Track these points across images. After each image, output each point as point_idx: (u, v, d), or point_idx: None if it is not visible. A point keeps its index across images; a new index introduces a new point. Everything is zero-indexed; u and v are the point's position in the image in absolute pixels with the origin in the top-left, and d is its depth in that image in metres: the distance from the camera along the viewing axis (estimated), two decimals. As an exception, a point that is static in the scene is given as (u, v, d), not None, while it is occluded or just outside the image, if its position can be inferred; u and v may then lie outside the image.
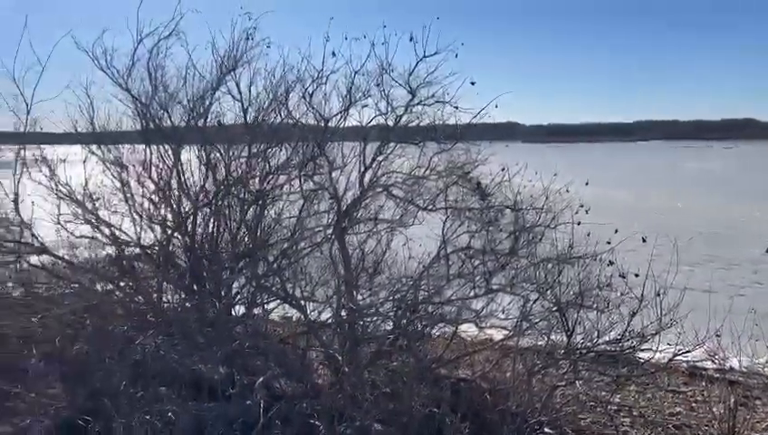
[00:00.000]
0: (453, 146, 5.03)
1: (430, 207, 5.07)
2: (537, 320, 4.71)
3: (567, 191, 4.84)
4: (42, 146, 6.02)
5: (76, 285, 5.63)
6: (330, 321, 5.41)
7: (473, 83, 4.90)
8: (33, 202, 5.69)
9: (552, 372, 5.09)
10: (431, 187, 5.11)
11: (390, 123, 5.24)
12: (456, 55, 4.80)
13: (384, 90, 5.04)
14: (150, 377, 4.28)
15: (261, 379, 4.52)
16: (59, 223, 5.85)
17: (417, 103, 5.05)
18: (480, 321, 4.87)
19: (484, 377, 5.26)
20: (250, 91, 5.40)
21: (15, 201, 5.89)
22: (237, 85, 5.41)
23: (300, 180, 5.54)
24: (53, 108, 5.86)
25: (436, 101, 4.99)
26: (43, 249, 5.92)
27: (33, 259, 5.92)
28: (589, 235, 4.65)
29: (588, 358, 4.85)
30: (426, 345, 5.07)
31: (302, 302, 5.40)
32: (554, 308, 4.60)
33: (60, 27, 5.44)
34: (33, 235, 5.84)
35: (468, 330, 5.82)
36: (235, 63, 5.32)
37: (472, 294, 4.74)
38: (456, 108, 4.98)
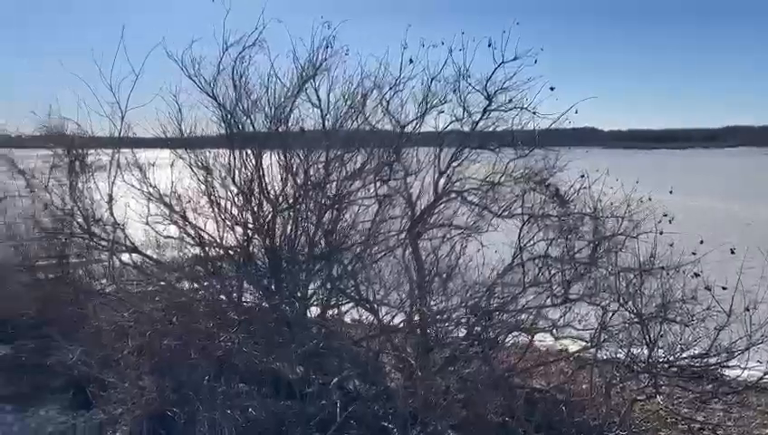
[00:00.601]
0: (530, 152, 4.96)
1: (506, 213, 5.02)
2: (616, 331, 4.57)
3: (649, 199, 4.68)
4: (134, 150, 6.40)
5: (163, 283, 5.93)
6: (402, 325, 5.46)
7: (552, 89, 4.83)
8: (127, 204, 6.05)
9: (630, 385, 4.92)
10: (507, 193, 5.07)
11: (466, 129, 5.24)
12: (536, 61, 4.73)
13: (461, 96, 5.04)
14: (231, 373, 4.45)
15: (335, 379, 4.63)
16: (147, 223, 6.20)
17: (494, 109, 5.02)
18: (556, 330, 4.78)
19: (559, 388, 5.16)
20: (329, 98, 5.53)
21: (109, 202, 6.30)
22: (316, 92, 5.55)
23: (375, 185, 5.63)
24: (145, 114, 6.22)
25: (514, 107, 4.94)
26: (133, 248, 6.29)
27: (125, 257, 6.30)
28: (672, 245, 4.47)
29: (670, 373, 4.66)
30: (499, 353, 5.01)
31: (375, 305, 5.48)
32: (635, 320, 4.45)
33: (153, 38, 5.73)
34: (125, 234, 6.22)
35: (543, 340, 5.71)
36: (314, 71, 5.46)
37: (548, 302, 4.65)
38: (534, 113, 4.92)
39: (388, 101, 5.25)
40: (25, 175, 7.04)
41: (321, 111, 5.57)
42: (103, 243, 6.31)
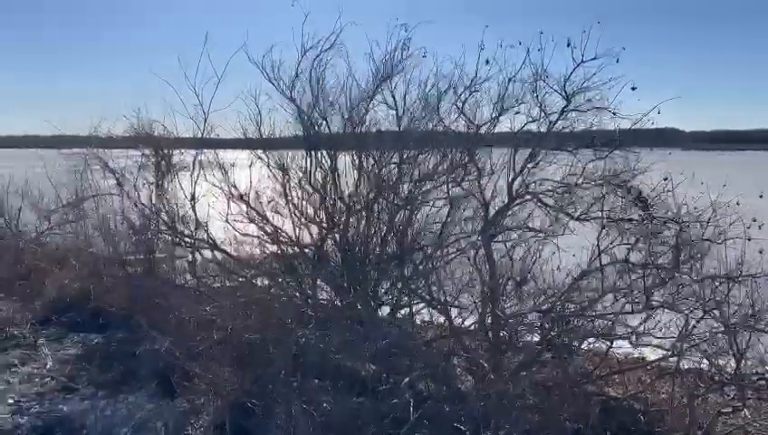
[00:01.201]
0: (610, 153, 4.82)
1: (583, 216, 4.90)
2: (700, 340, 4.37)
3: (737, 204, 4.45)
4: (216, 151, 6.69)
5: (242, 279, 6.16)
6: (473, 327, 5.44)
7: (633, 88, 4.68)
8: (209, 204, 6.33)
9: (715, 397, 4.71)
10: (584, 196, 4.95)
11: (543, 130, 5.16)
12: (617, 60, 4.60)
13: (538, 96, 4.96)
14: (306, 368, 4.57)
15: (407, 379, 4.66)
16: (227, 222, 6.46)
17: (573, 109, 4.91)
18: (635, 338, 4.63)
19: (637, 397, 4.99)
20: (405, 100, 5.59)
21: (192, 201, 6.62)
22: (392, 93, 5.62)
23: (447, 186, 5.63)
24: (227, 116, 6.50)
25: (593, 107, 4.82)
26: (214, 245, 6.58)
27: (206, 254, 6.60)
28: (761, 252, 4.24)
29: (759, 385, 4.43)
30: (575, 360, 4.90)
31: (447, 306, 5.48)
32: (721, 329, 4.25)
33: (235, 43, 5.98)
34: (206, 232, 6.51)
35: (621, 347, 5.54)
36: (390, 73, 5.54)
37: (627, 309, 4.51)
38: (614, 114, 4.78)
39: (463, 103, 5.24)
40: (116, 174, 7.50)
41: (397, 112, 5.63)
42: (186, 240, 6.63)
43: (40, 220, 9.93)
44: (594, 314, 4.64)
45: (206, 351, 4.84)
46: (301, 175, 6.19)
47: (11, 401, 5.30)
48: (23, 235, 9.92)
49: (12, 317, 7.23)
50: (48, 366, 5.92)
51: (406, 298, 6.11)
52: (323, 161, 6.17)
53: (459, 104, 5.27)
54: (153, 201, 6.89)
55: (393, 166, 5.89)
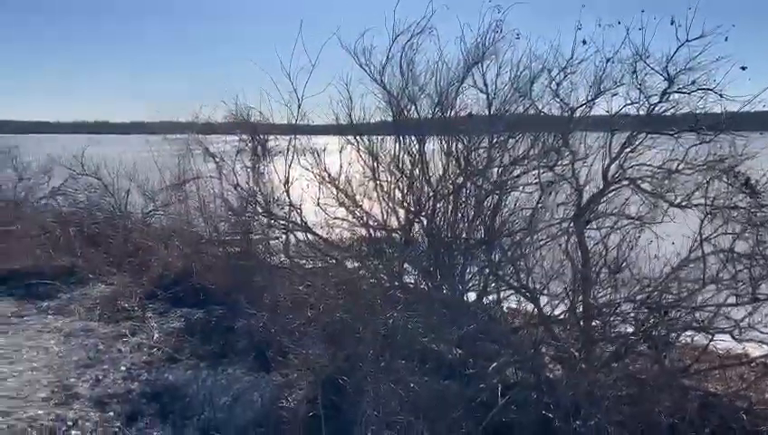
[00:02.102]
0: (715, 137, 4.55)
1: (684, 203, 4.66)
2: (814, 338, 4.08)
3: None
4: (308, 136, 6.89)
5: (332, 261, 6.34)
6: (563, 316, 5.32)
7: (743, 68, 4.37)
8: (302, 187, 6.54)
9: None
10: (686, 181, 4.70)
11: (642, 113, 4.93)
12: (726, 38, 4.31)
13: (638, 77, 4.74)
14: (394, 349, 4.66)
15: (494, 364, 4.65)
16: (318, 205, 6.65)
17: (675, 91, 4.66)
18: (739, 332, 4.38)
19: (739, 394, 4.73)
20: (496, 84, 5.51)
21: (286, 185, 6.86)
22: (483, 76, 5.55)
23: (538, 171, 5.51)
24: (319, 102, 6.66)
25: (698, 89, 4.55)
26: (306, 227, 6.79)
27: (299, 235, 6.83)
28: None
29: None
30: (672, 352, 4.71)
31: (536, 294, 5.40)
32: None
33: (329, 30, 6.10)
34: (299, 214, 6.74)
35: (722, 341, 5.25)
36: (481, 55, 5.46)
37: (731, 301, 4.27)
38: (721, 96, 4.49)
39: (557, 85, 5.09)
40: (215, 158, 7.90)
41: (488, 95, 5.56)
42: (280, 221, 6.89)
43: (146, 202, 10.66)
44: (694, 305, 4.42)
45: (299, 328, 5.05)
46: (389, 160, 6.25)
47: (123, 368, 5.77)
48: (130, 215, 10.68)
49: (122, 291, 7.84)
50: (155, 337, 6.38)
51: (493, 284, 6.07)
52: (412, 146, 6.20)
53: (553, 87, 5.13)
54: (250, 184, 7.20)
55: (482, 150, 5.84)
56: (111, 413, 4.88)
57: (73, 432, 4.56)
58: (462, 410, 3.89)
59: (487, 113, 5.64)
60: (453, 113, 5.86)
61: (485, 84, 5.55)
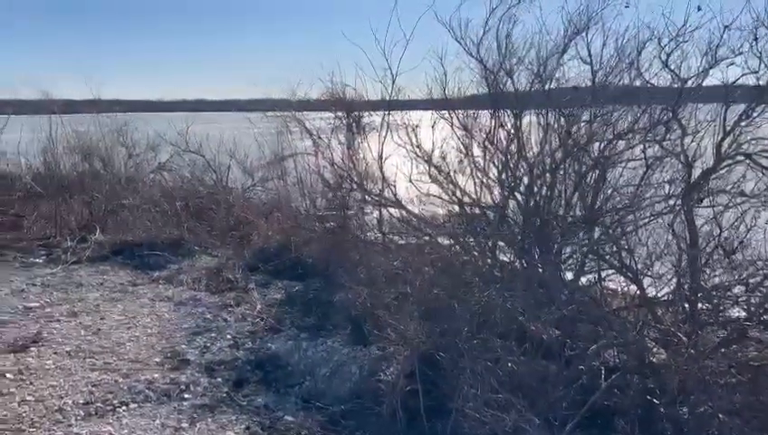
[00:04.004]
0: None
1: (809, 180, 4.29)
2: None
3: None
4: (402, 112, 6.91)
5: (426, 237, 6.37)
6: (668, 298, 5.08)
7: None
8: (395, 164, 6.59)
9: None
10: (812, 157, 4.32)
11: (762, 83, 4.55)
12: None
13: (758, 45, 4.37)
14: (490, 327, 4.64)
15: (594, 346, 4.53)
16: (411, 181, 6.67)
17: (801, 59, 4.27)
18: None
19: None
20: (602, 54, 5.25)
21: (380, 161, 6.93)
22: (588, 46, 5.31)
23: (644, 145, 5.25)
24: (413, 77, 6.65)
25: (829, 56, 4.14)
26: (398, 203, 6.85)
27: (392, 211, 6.91)
28: None
29: None
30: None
31: (639, 274, 5.18)
32: None
33: (424, 4, 6.03)
34: (392, 190, 6.80)
35: None
36: (586, 24, 5.22)
37: None
38: None
39: (668, 55, 4.79)
40: (312, 135, 8.10)
41: (592, 66, 5.31)
42: (374, 197, 6.98)
43: (245, 177, 11.12)
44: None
45: (394, 302, 5.13)
46: (484, 135, 6.15)
47: (229, 336, 6.11)
48: (231, 190, 11.19)
49: (226, 263, 8.27)
50: (258, 308, 6.71)
51: (592, 263, 5.87)
52: (507, 120, 6.07)
53: (663, 56, 4.83)
54: (344, 160, 7.34)
55: (583, 124, 5.62)
56: (219, 379, 5.20)
57: (186, 395, 4.89)
58: (563, 392, 3.83)
59: (590, 85, 5.40)
60: (552, 86, 5.67)
61: (589, 54, 5.30)
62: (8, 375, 5.16)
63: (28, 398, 4.77)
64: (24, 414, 4.51)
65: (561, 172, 5.85)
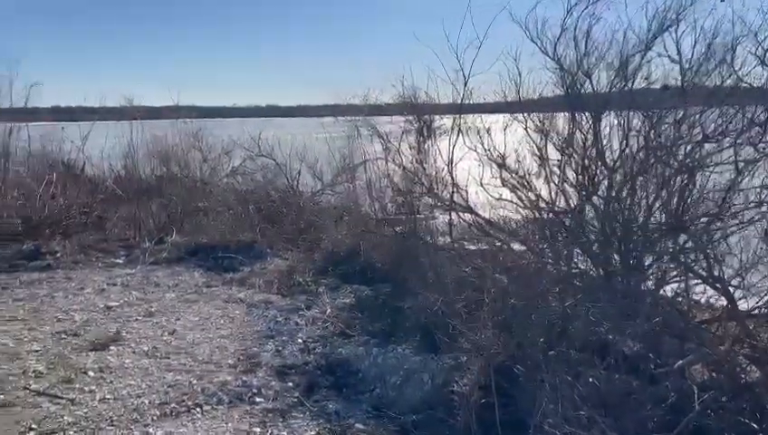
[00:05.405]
0: None
1: None
2: None
3: None
4: (474, 115, 6.77)
5: (498, 243, 6.20)
6: (761, 311, 4.73)
7: None
8: (466, 168, 6.47)
9: None
10: None
11: None
12: None
13: None
14: (568, 339, 4.45)
15: (680, 362, 4.27)
16: (482, 185, 6.53)
17: None
18: None
19: None
20: (693, 51, 4.96)
21: (450, 165, 6.82)
22: (677, 43, 5.01)
23: (735, 148, 4.92)
24: (486, 79, 6.51)
25: None
26: (469, 208, 6.71)
27: (463, 216, 6.77)
28: None
29: None
30: None
31: (729, 286, 4.85)
32: None
33: (499, 3, 5.89)
34: (462, 195, 6.67)
35: None
36: (674, 20, 4.93)
37: None
38: None
39: (765, 51, 4.46)
40: (382, 139, 8.09)
41: (681, 64, 5.02)
42: (444, 202, 6.88)
43: (315, 181, 11.27)
44: None
45: (467, 310, 5.00)
46: (561, 138, 5.94)
47: (300, 340, 6.16)
48: (302, 194, 11.35)
49: (297, 266, 8.38)
50: (327, 312, 6.73)
51: (675, 273, 5.56)
52: (585, 122, 5.84)
53: (760, 52, 4.51)
54: (414, 165, 7.27)
55: (668, 125, 5.32)
56: (290, 383, 5.24)
57: (257, 399, 4.94)
58: (651, 411, 3.61)
59: (677, 84, 5.10)
60: (635, 85, 5.40)
61: (678, 52, 5.01)
62: (90, 373, 5.38)
63: (108, 396, 4.94)
64: (103, 412, 4.67)
65: (644, 176, 5.57)
